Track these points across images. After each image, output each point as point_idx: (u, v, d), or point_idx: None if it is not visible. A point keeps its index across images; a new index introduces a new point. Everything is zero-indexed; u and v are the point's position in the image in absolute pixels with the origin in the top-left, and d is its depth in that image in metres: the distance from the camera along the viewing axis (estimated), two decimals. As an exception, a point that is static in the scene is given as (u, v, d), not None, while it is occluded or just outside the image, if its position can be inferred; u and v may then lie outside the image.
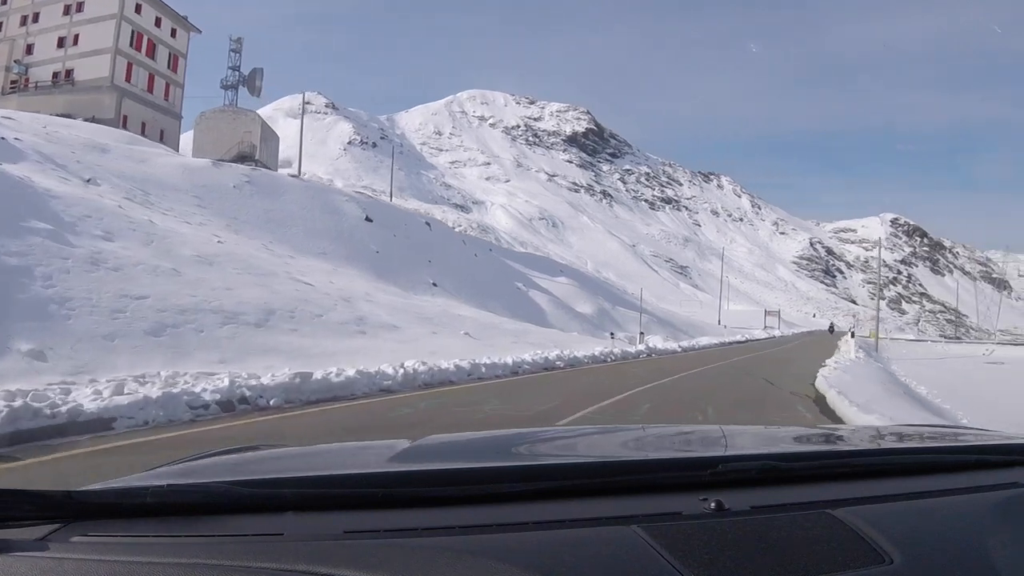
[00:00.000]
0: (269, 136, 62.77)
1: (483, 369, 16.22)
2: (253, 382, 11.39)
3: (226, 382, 10.99)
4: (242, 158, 49.92)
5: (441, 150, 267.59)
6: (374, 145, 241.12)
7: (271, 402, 10.93)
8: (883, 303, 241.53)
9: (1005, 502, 1.45)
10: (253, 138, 58.82)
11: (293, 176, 48.71)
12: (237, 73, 63.83)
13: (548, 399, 12.74)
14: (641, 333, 32.94)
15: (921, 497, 1.49)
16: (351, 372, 12.95)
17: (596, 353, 22.65)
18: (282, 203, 39.92)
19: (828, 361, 24.16)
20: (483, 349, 20.86)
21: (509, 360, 17.57)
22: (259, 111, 63.17)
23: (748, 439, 2.35)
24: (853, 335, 43.78)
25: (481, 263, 48.91)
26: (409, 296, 32.79)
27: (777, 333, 69.09)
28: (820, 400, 13.97)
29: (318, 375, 12.31)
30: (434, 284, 38.43)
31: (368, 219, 42.55)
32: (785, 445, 2.22)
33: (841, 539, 1.23)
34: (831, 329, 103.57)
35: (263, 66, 62.61)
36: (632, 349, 26.32)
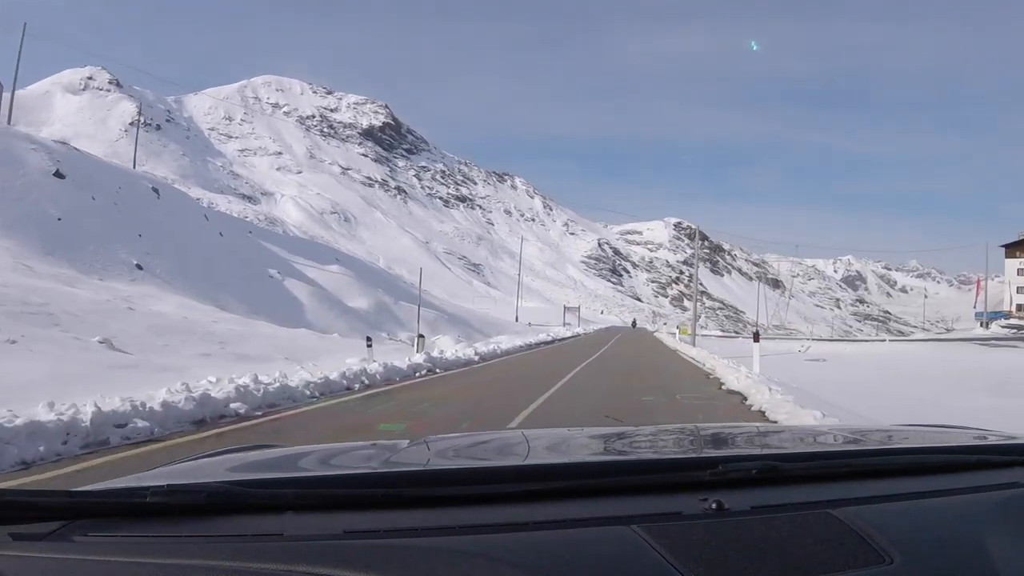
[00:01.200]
0: (-13, 83, 48.73)
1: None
2: None
3: None
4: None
5: (231, 137, 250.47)
6: (158, 128, 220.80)
7: None
8: (666, 300, 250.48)
9: (1005, 502, 1.44)
10: (-39, 83, 44.98)
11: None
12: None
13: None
14: (421, 336, 22.34)
15: (921, 497, 1.46)
16: None
17: (333, 376, 12.51)
18: (-69, 149, 27.55)
19: (735, 382, 15.04)
20: (111, 374, 10.67)
21: (68, 416, 7.29)
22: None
23: (748, 439, 2.30)
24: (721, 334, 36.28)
25: (226, 244, 37.43)
26: (85, 279, 21.59)
27: (579, 330, 60.01)
28: None
29: None
30: (139, 266, 27.03)
31: (59, 175, 30.29)
32: (785, 445, 2.17)
33: (841, 539, 1.22)
34: (634, 324, 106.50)
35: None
36: (404, 362, 16.37)
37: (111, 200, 31.89)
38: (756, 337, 23.75)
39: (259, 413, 9.49)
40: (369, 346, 16.78)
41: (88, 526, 1.20)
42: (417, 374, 16.22)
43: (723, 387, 15.25)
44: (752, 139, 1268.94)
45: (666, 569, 1.08)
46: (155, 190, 37.97)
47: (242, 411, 9.32)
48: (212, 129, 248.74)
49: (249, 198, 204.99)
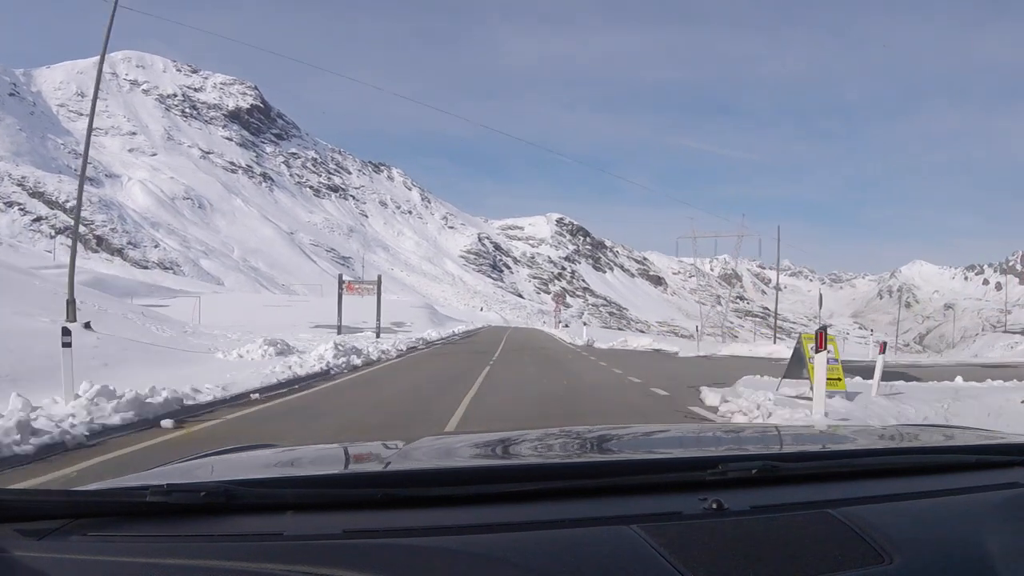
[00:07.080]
0: None
1: None
2: None
3: None
4: None
5: (81, 114, 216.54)
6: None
7: None
8: (548, 297, 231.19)
9: (1005, 502, 1.41)
10: None
11: None
12: None
13: None
14: None
15: (921, 497, 1.43)
16: None
17: None
18: None
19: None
20: None
21: None
22: None
23: (748, 439, 2.25)
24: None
25: None
26: None
27: (375, 350, 21.73)
28: None
29: None
30: None
31: None
32: (785, 445, 2.11)
33: (841, 539, 1.18)
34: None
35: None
36: None
37: None
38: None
39: None
40: None
41: (88, 526, 1.17)
42: None
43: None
44: (631, 141, 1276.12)
45: (666, 569, 1.04)
46: None
47: None
48: (62, 105, 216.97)
49: (90, 179, 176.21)
